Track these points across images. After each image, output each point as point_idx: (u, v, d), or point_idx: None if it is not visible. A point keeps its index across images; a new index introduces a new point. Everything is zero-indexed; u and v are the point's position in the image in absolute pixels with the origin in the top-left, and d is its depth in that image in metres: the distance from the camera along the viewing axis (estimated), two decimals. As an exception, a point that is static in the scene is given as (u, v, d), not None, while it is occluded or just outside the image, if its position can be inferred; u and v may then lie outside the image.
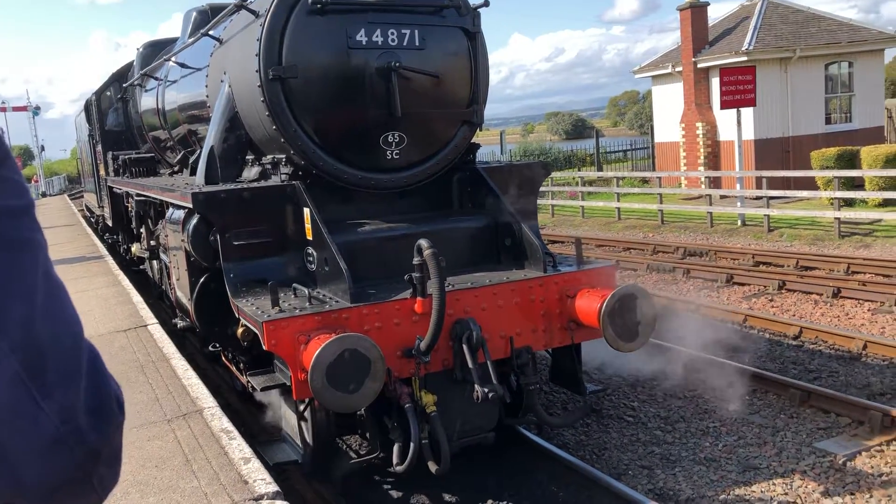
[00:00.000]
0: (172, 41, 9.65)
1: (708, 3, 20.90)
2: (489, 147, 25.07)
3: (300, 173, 5.21)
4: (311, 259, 4.97)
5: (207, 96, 6.52)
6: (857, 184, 15.64)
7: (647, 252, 14.31)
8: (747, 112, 17.49)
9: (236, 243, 4.94)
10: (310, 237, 4.91)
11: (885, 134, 21.62)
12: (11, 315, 0.73)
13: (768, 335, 8.61)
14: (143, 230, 9.03)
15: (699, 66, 20.42)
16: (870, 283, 10.33)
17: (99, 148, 12.64)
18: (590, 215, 19.62)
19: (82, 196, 25.51)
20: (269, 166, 5.57)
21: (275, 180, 5.40)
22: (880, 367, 7.32)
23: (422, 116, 5.39)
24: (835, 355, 7.76)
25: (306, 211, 4.93)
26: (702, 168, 20.33)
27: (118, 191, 10.77)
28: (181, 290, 5.98)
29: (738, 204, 16.31)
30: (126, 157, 10.45)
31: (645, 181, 22.20)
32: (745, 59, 18.72)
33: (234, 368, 5.94)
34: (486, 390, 4.39)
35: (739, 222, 15.96)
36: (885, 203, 14.59)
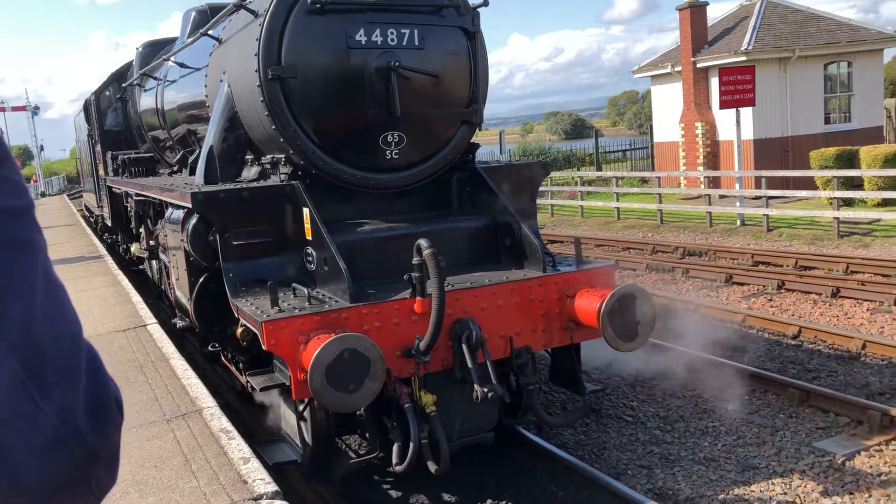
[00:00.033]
0: (172, 41, 9.64)
1: (707, 3, 20.90)
2: (488, 147, 25.07)
3: (299, 173, 5.21)
4: (310, 259, 4.97)
5: (207, 96, 6.52)
6: (856, 184, 15.65)
7: (646, 252, 14.31)
8: (746, 112, 17.49)
9: (235, 243, 4.94)
10: (309, 237, 4.91)
11: (885, 134, 21.63)
12: (11, 315, 0.73)
13: (767, 335, 8.61)
14: (142, 230, 9.03)
15: (698, 65, 20.42)
16: (869, 282, 10.33)
17: (98, 148, 12.64)
18: (589, 215, 19.62)
19: (81, 196, 25.50)
20: (268, 166, 5.57)
21: (274, 180, 5.40)
22: (879, 366, 7.32)
23: (421, 116, 5.39)
24: (834, 355, 7.77)
25: (306, 211, 4.93)
26: (701, 168, 20.34)
27: (117, 191, 10.77)
28: (180, 290, 5.98)
29: (738, 204, 16.32)
30: (125, 156, 10.45)
31: (644, 181, 22.21)
32: (744, 58, 18.72)
33: (233, 368, 5.94)
34: (485, 390, 4.39)
35: (738, 222, 15.97)
36: (884, 203, 14.60)
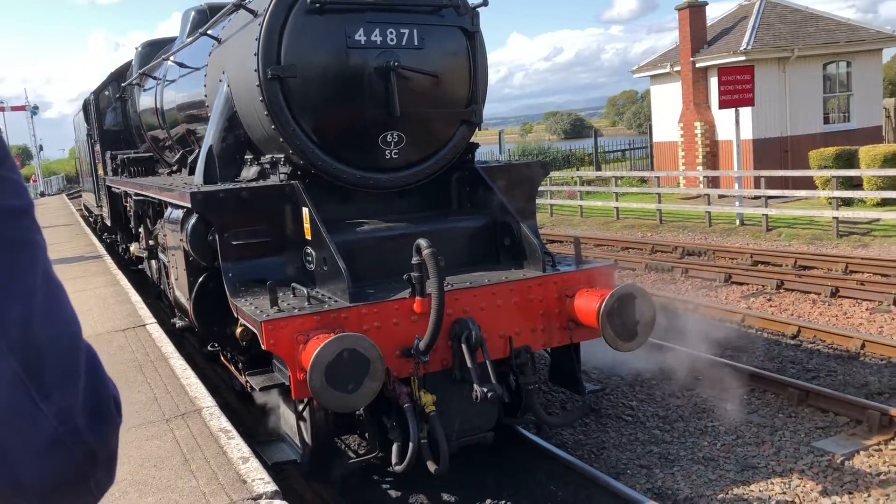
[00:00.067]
0: (171, 41, 9.64)
1: (706, 3, 20.91)
2: (488, 147, 25.07)
3: (299, 173, 5.21)
4: (309, 259, 4.97)
5: (206, 96, 6.51)
6: (855, 183, 15.66)
7: (645, 251, 14.32)
8: (745, 112, 17.50)
9: (235, 243, 4.94)
10: (308, 237, 4.91)
11: (884, 133, 21.64)
12: (11, 315, 0.73)
13: (766, 334, 8.62)
14: (141, 230, 9.03)
15: (697, 65, 20.43)
16: (868, 282, 10.34)
17: (97, 147, 12.63)
18: (588, 215, 19.62)
19: (80, 196, 25.49)
20: (267, 166, 5.57)
21: (273, 180, 5.40)
22: (878, 366, 7.33)
23: (420, 116, 5.39)
24: (833, 354, 7.77)
25: (305, 210, 4.92)
26: (700, 168, 20.35)
27: (117, 190, 10.76)
28: (180, 290, 5.97)
29: (737, 203, 16.33)
30: (124, 156, 10.43)
31: (643, 181, 22.21)
32: (743, 58, 18.73)
33: (232, 368, 5.93)
34: (484, 390, 4.39)
35: (738, 222, 15.98)
36: (884, 202, 14.61)
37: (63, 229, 18.49)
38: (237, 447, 4.11)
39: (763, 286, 10.83)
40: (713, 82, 19.19)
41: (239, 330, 4.87)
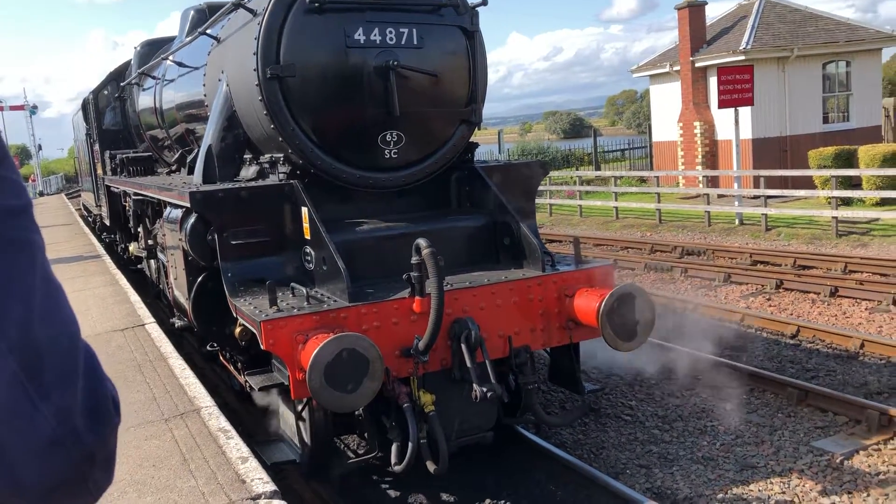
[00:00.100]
0: (170, 40, 9.63)
1: (706, 3, 20.91)
2: (487, 146, 25.07)
3: (298, 172, 5.21)
4: (308, 258, 4.96)
5: (205, 95, 6.51)
6: (854, 183, 15.66)
7: (644, 251, 14.32)
8: (745, 111, 17.50)
9: (234, 242, 4.93)
10: (308, 236, 4.90)
11: (883, 133, 21.65)
12: (10, 316, 0.73)
13: (766, 334, 8.62)
14: (140, 229, 9.02)
15: (697, 65, 20.44)
16: (867, 282, 10.34)
17: (96, 147, 12.62)
18: (588, 214, 19.63)
19: (79, 195, 25.49)
20: (266, 165, 5.57)
21: (273, 179, 5.39)
22: (877, 365, 7.33)
23: (420, 115, 5.38)
24: (832, 354, 7.78)
25: (304, 210, 4.92)
26: (699, 167, 20.35)
27: (116, 190, 10.76)
28: (179, 290, 5.97)
29: (736, 203, 16.33)
30: (123, 156, 10.43)
31: (643, 180, 22.22)
32: (742, 58, 18.74)
33: (231, 368, 5.93)
34: (484, 390, 4.39)
35: (737, 221, 15.98)
36: (883, 202, 14.62)
37: (62, 229, 18.47)
38: (236, 447, 4.11)
39: (762, 286, 10.83)
40: (712, 82, 19.18)
41: (238, 330, 4.87)
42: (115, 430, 0.85)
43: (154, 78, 9.19)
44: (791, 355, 7.81)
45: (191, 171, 6.56)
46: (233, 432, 4.34)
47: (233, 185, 5.25)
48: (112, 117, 12.38)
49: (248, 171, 5.81)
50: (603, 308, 4.63)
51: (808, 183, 15.77)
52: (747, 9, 21.30)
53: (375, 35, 5.11)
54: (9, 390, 0.72)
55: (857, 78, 20.43)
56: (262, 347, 4.20)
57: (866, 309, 9.35)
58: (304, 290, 4.45)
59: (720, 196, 17.84)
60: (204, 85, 6.55)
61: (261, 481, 3.65)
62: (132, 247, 10.04)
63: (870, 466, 5.32)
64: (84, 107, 13.28)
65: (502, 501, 4.97)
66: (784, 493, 5.05)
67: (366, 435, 5.04)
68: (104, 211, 12.61)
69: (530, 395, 4.98)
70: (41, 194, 44.69)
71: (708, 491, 5.11)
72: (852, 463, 5.38)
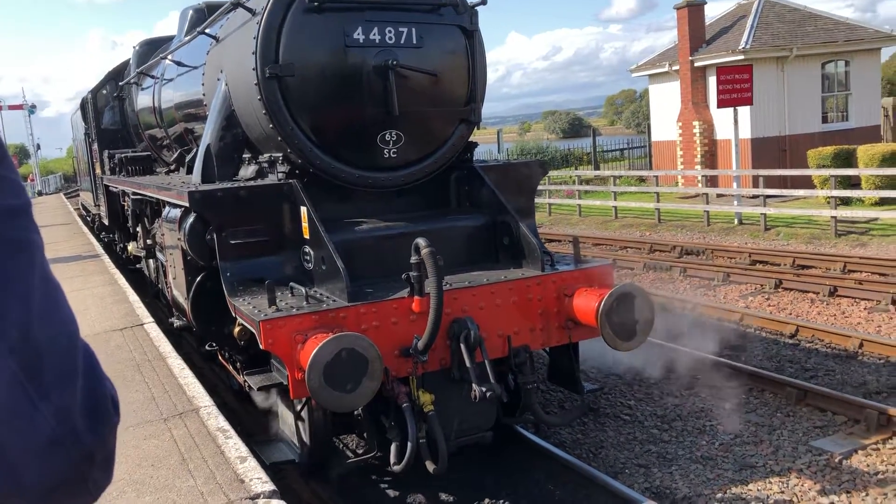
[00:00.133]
0: (169, 39, 9.62)
1: (705, 2, 20.91)
2: (486, 146, 25.07)
3: (297, 172, 5.20)
4: (308, 258, 4.96)
5: (204, 94, 6.50)
6: (853, 182, 15.68)
7: (644, 251, 14.32)
8: (744, 111, 17.51)
9: (233, 242, 4.93)
10: (307, 236, 4.90)
11: (882, 133, 21.67)
12: (9, 316, 0.73)
13: (765, 334, 8.62)
14: (139, 229, 9.01)
15: (696, 64, 20.44)
16: (866, 281, 10.35)
17: (95, 146, 12.61)
18: (587, 214, 19.63)
19: (78, 195, 25.46)
20: (265, 165, 5.56)
21: (271, 179, 5.39)
22: (876, 365, 7.34)
23: (419, 115, 5.38)
24: (831, 354, 7.78)
25: (303, 209, 4.92)
26: (699, 167, 20.36)
27: (114, 189, 10.75)
28: (178, 289, 5.96)
29: (735, 203, 16.34)
30: (122, 155, 10.42)
31: (642, 180, 22.22)
32: (741, 57, 18.75)
33: (230, 367, 5.93)
34: (483, 389, 4.39)
35: (736, 221, 15.99)
36: (882, 202, 14.63)
37: (61, 228, 18.46)
38: (235, 447, 4.10)
39: (761, 285, 10.84)
40: (712, 81, 19.18)
41: (237, 329, 4.86)
42: (114, 430, 0.85)
43: (153, 77, 9.19)
44: (790, 355, 7.81)
45: (189, 171, 6.55)
46: (231, 432, 4.34)
47: (232, 185, 5.24)
48: (111, 117, 12.37)
49: (247, 171, 5.80)
50: (602, 308, 4.63)
51: (807, 182, 15.78)
52: (746, 8, 21.31)
53: (375, 34, 5.11)
54: (8, 390, 0.72)
55: (856, 77, 20.44)
56: (261, 347, 4.20)
57: (865, 308, 9.36)
58: (304, 290, 4.45)
59: (719, 196, 17.85)
60: (203, 84, 6.55)
61: (259, 481, 3.65)
62: (131, 246, 10.03)
63: (868, 466, 5.32)
64: (83, 106, 13.27)
65: (501, 501, 4.97)
66: (783, 492, 5.05)
67: (365, 435, 5.04)
68: (103, 210, 12.60)
69: (529, 395, 4.98)
70: (40, 194, 44.66)
71: (707, 490, 5.11)
72: (851, 462, 5.38)
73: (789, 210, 15.03)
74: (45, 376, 0.75)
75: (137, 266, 10.56)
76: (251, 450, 4.20)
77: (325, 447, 5.05)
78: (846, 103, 20.63)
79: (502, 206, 5.40)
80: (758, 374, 7.01)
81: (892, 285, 9.84)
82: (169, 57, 8.22)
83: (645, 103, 47.37)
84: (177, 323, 6.72)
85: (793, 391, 6.52)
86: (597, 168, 26.39)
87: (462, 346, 4.46)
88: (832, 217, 13.83)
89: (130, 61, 11.06)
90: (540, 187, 17.63)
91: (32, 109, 49.11)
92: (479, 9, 5.61)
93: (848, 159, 15.96)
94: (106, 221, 12.59)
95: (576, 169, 26.93)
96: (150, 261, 8.51)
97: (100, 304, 8.48)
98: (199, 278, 5.33)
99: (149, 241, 8.10)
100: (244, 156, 5.92)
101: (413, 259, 4.31)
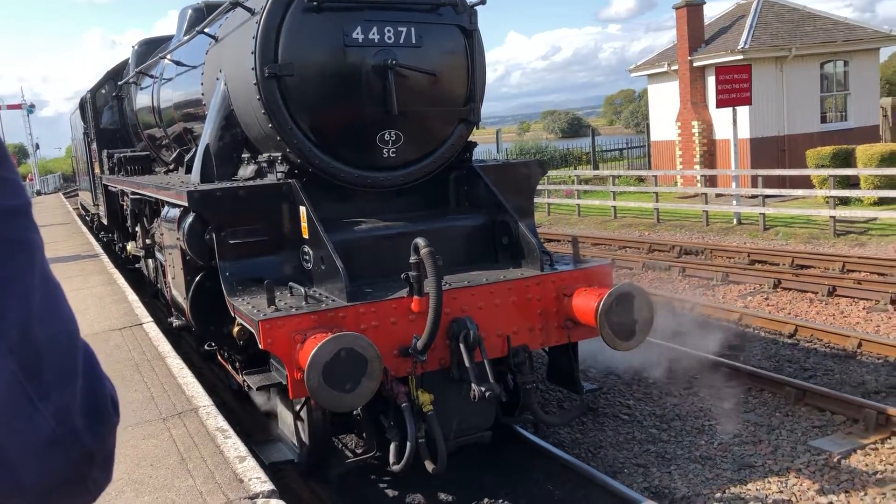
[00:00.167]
0: (168, 39, 9.62)
1: (704, 2, 20.92)
2: (485, 145, 25.07)
3: (296, 171, 5.20)
4: (307, 258, 4.96)
5: (203, 94, 6.50)
6: (852, 182, 15.68)
7: (643, 250, 14.33)
8: (743, 111, 17.52)
9: (232, 242, 4.93)
10: (306, 236, 4.90)
11: (881, 133, 21.68)
12: (9, 316, 0.73)
13: (764, 333, 8.63)
14: (138, 228, 9.01)
15: (695, 64, 20.44)
16: (865, 281, 10.36)
17: (94, 146, 12.60)
18: (586, 214, 19.63)
19: (77, 194, 25.45)
20: (264, 164, 5.56)
21: (271, 178, 5.39)
22: (875, 365, 7.34)
23: (418, 114, 5.38)
24: (830, 353, 7.79)
25: (302, 209, 4.92)
26: (698, 167, 20.36)
27: (113, 189, 10.74)
28: (177, 289, 5.96)
29: (734, 202, 16.35)
30: (121, 155, 10.42)
31: (641, 180, 22.23)
32: (740, 57, 18.75)
33: (229, 367, 5.93)
34: (482, 389, 4.39)
35: (735, 221, 16.00)
36: (881, 202, 14.64)
37: (60, 228, 18.44)
38: (234, 446, 4.10)
39: (760, 285, 10.84)
40: (711, 81, 19.18)
41: (236, 329, 4.86)
42: (113, 430, 0.85)
43: (152, 77, 9.18)
44: (789, 354, 7.82)
45: (188, 170, 6.55)
46: (231, 431, 4.34)
47: (231, 185, 5.24)
48: (110, 116, 12.36)
49: (246, 171, 5.80)
50: (601, 307, 4.63)
51: (805, 182, 15.79)
52: (745, 8, 21.32)
53: (374, 34, 5.11)
54: (8, 390, 0.72)
55: (854, 77, 20.46)
56: (260, 347, 4.20)
57: (864, 308, 9.37)
58: (303, 290, 4.45)
59: (718, 195, 17.85)
60: (202, 84, 6.55)
61: (259, 480, 3.65)
62: (130, 246, 10.02)
63: (867, 465, 5.33)
64: (82, 106, 13.26)
65: (500, 501, 4.97)
66: (781, 492, 5.05)
67: (364, 434, 5.04)
68: (102, 210, 12.59)
69: (528, 395, 4.98)
70: (39, 193, 44.62)
71: (706, 490, 5.12)
72: (850, 462, 5.39)
73: (788, 210, 15.03)
74: (44, 376, 0.75)
75: (136, 266, 10.55)
76: (250, 449, 4.20)
77: (325, 447, 5.05)
78: (845, 103, 20.64)
79: (501, 205, 5.40)
80: (757, 373, 7.01)
81: (890, 285, 9.85)
82: (168, 56, 8.22)
83: (644, 103, 47.36)
84: (176, 322, 6.72)
85: (791, 391, 6.52)
86: (596, 168, 26.40)
87: (461, 345, 4.46)
88: (831, 217, 13.84)
89: (129, 61, 11.05)
90: (539, 187, 17.63)
91: (31, 109, 49.08)
92: (479, 8, 5.61)
93: (847, 159, 15.97)
94: (105, 221, 12.58)
95: (575, 169, 26.93)
96: (149, 260, 8.51)
97: (99, 303, 8.48)
98: (198, 278, 5.33)
99: (148, 241, 8.10)
100: (243, 155, 5.91)
101: (412, 259, 4.31)
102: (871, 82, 20.94)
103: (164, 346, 6.40)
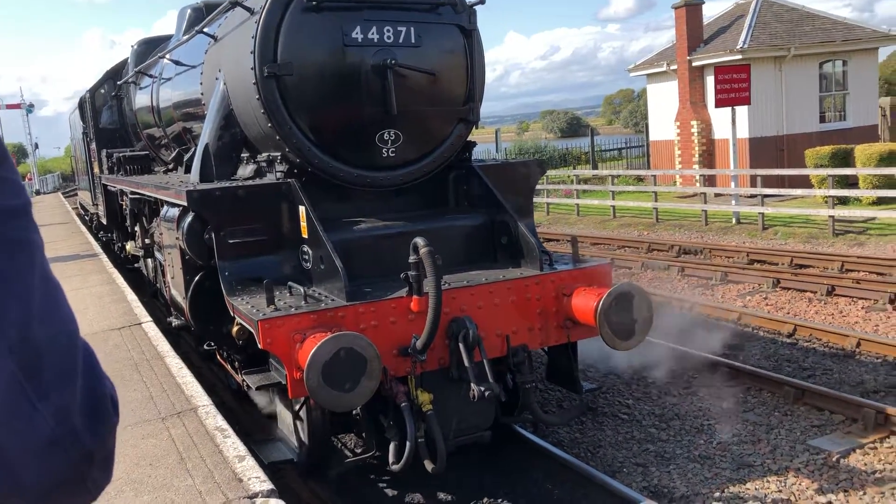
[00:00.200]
0: (167, 38, 9.61)
1: (703, 2, 20.93)
2: (485, 145, 25.06)
3: (295, 171, 5.20)
4: (306, 257, 4.96)
5: (202, 94, 6.50)
6: (851, 182, 15.69)
7: (642, 250, 14.33)
8: (742, 110, 17.52)
9: (231, 241, 4.93)
10: (305, 235, 4.90)
11: (879, 132, 21.69)
12: (9, 316, 0.73)
13: (763, 333, 8.63)
14: (137, 228, 9.01)
15: (694, 64, 20.45)
16: (864, 280, 10.36)
17: (93, 146, 12.60)
18: (585, 213, 19.64)
19: (76, 194, 25.43)
20: (264, 164, 5.56)
21: (270, 178, 5.38)
22: (874, 364, 7.35)
23: (418, 114, 5.38)
24: (829, 353, 7.79)
25: (302, 209, 4.92)
26: (696, 166, 20.37)
27: (112, 189, 10.74)
28: (176, 289, 5.96)
29: (733, 202, 16.35)
30: (120, 154, 10.41)
31: (640, 179, 22.23)
32: (739, 57, 18.76)
33: (229, 367, 5.92)
34: (482, 389, 4.39)
35: (734, 220, 16.00)
36: (879, 201, 14.65)
37: (59, 228, 18.43)
38: (233, 446, 4.10)
39: (759, 285, 10.85)
40: (710, 81, 19.18)
41: (235, 329, 4.86)
42: (113, 430, 0.85)
43: (151, 76, 9.18)
44: (788, 354, 7.82)
45: (188, 170, 6.54)
46: (230, 431, 4.34)
47: (230, 184, 5.24)
48: (109, 116, 12.35)
49: (246, 170, 5.80)
50: (601, 307, 4.64)
51: (804, 182, 15.80)
52: (744, 8, 21.32)
53: (373, 33, 5.11)
54: (7, 390, 0.72)
55: (853, 77, 20.47)
56: (260, 346, 4.20)
57: (863, 308, 9.37)
58: (302, 289, 4.45)
59: (717, 195, 17.86)
60: (201, 83, 6.54)
61: (258, 480, 3.65)
62: (129, 245, 10.02)
63: (866, 465, 5.33)
64: (81, 105, 13.25)
65: (500, 500, 4.97)
66: (780, 491, 5.06)
67: (363, 434, 5.04)
68: (101, 210, 12.59)
69: (528, 394, 4.98)
70: (38, 193, 44.59)
71: (705, 489, 5.12)
72: (848, 461, 5.39)
73: (787, 209, 15.04)
74: (44, 376, 0.75)
75: (135, 265, 10.55)
76: (249, 449, 4.20)
77: (324, 446, 5.05)
78: (844, 103, 20.65)
79: (500, 205, 5.40)
80: (756, 373, 7.01)
81: (889, 284, 9.86)
82: (167, 56, 8.21)
83: (643, 103, 47.41)
84: (175, 322, 6.72)
85: (790, 390, 6.52)
86: (595, 167, 26.40)
87: (461, 345, 4.46)
88: (830, 216, 13.85)
89: (129, 60, 11.04)
90: (538, 187, 17.64)
91: (30, 109, 49.04)
92: (478, 8, 5.61)
93: (845, 159, 15.98)
94: (104, 221, 12.57)
95: (574, 168, 26.93)
96: (149, 260, 8.51)
97: (98, 303, 8.48)
98: (197, 277, 5.32)
99: (147, 241, 8.09)
100: (242, 155, 5.91)
101: (411, 258, 4.31)
102: (869, 82, 20.95)
103: (164, 345, 6.40)
